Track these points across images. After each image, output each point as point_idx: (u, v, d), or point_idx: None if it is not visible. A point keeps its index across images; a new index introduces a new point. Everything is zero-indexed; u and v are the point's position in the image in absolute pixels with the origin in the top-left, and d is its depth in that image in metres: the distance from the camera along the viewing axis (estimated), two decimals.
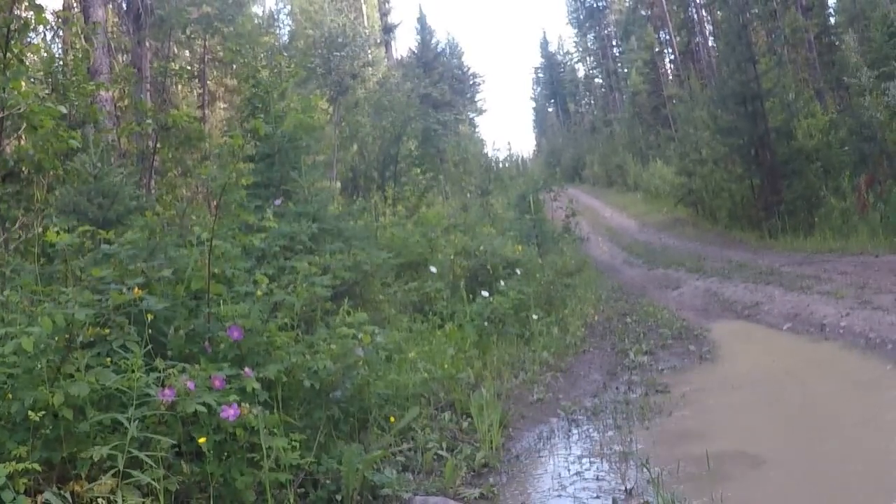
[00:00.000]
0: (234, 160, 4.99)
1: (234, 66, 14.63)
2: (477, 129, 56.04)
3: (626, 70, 62.94)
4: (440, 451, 5.31)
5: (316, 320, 5.22)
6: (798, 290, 12.82)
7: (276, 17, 15.91)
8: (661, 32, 57.80)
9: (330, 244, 6.57)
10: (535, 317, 9.47)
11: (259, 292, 4.64)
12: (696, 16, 53.35)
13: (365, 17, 40.67)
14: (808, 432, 5.86)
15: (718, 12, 42.77)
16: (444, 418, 6.09)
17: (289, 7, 39.37)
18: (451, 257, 10.68)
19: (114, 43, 16.80)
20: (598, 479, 5.04)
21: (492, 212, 19.34)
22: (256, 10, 20.27)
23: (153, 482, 3.33)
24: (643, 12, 59.56)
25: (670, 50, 57.50)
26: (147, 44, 15.61)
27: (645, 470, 4.81)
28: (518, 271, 10.64)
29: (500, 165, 48.49)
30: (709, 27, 51.61)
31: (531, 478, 5.21)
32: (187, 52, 21.11)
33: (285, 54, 12.66)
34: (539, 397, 7.48)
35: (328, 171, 13.49)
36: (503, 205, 26.73)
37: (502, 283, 9.95)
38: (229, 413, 3.48)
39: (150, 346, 3.86)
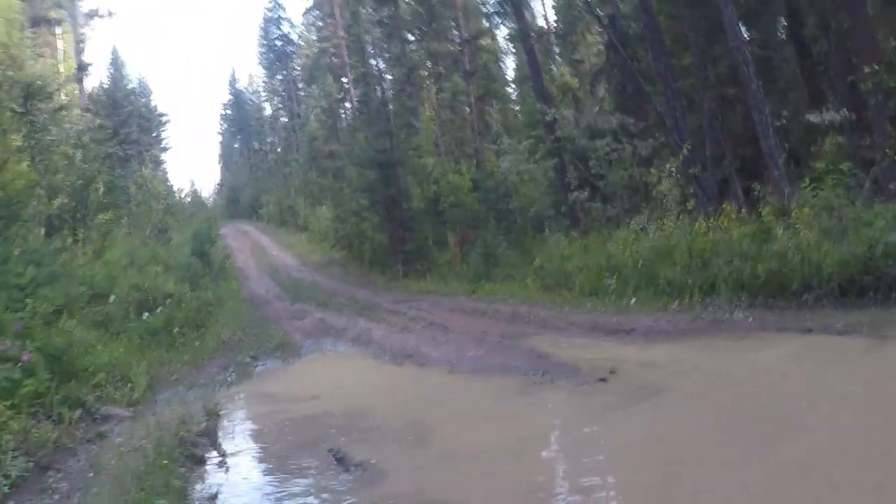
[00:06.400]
0: None
1: None
2: (164, 166, 58.26)
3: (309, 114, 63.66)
4: (116, 395, 10.43)
5: (54, 323, 10.19)
6: (376, 320, 18.09)
7: None
8: (344, 80, 58.18)
9: (55, 281, 11.50)
10: (176, 330, 14.69)
11: (27, 308, 9.59)
12: (376, 69, 53.38)
13: (61, 52, 42.32)
14: (324, 388, 11.79)
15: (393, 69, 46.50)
16: (120, 382, 11.19)
17: None
18: (126, 290, 15.61)
19: None
20: (184, 408, 10.45)
21: (158, 253, 23.48)
22: None
23: None
24: (327, 60, 61.49)
25: (349, 99, 58.38)
26: None
27: (210, 403, 10.36)
28: (167, 301, 15.77)
29: (182, 202, 51.61)
30: (389, 78, 51.93)
31: (159, 408, 10.49)
32: None
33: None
34: (175, 378, 12.79)
35: (34, 217, 17.30)
36: (178, 242, 31.00)
37: (159, 309, 15.11)
38: (26, 357, 8.46)
39: None
